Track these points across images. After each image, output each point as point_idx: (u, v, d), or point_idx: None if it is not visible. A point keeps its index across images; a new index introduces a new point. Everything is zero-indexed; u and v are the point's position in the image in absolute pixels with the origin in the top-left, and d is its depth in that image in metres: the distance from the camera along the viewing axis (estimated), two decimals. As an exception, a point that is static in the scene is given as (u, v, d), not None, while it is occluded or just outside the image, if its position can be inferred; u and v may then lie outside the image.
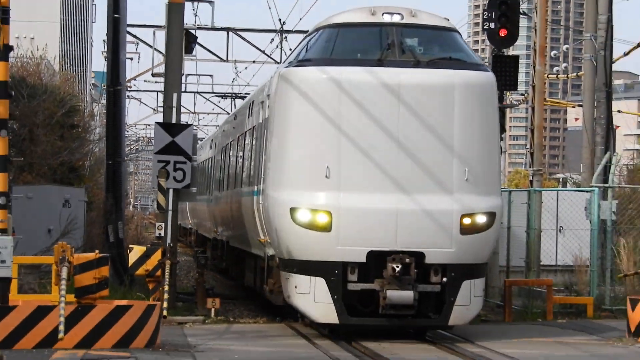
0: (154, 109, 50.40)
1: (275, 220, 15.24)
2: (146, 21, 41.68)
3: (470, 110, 13.36)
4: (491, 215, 13.43)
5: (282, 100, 15.13)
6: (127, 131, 42.65)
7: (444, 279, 13.01)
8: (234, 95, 49.72)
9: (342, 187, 13.11)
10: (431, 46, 14.54)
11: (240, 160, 24.26)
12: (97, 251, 17.32)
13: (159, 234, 21.27)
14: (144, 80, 47.46)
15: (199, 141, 37.66)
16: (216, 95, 53.55)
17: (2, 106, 14.87)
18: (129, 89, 40.79)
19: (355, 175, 13.18)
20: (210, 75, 52.72)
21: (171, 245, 20.91)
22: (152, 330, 15.39)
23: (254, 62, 41.55)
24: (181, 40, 21.86)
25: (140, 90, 53.56)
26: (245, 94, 42.62)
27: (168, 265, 18.50)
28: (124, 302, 16.70)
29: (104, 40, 33.12)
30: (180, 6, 22.35)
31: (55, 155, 29.47)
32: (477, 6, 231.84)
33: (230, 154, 27.81)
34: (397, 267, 12.36)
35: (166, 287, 17.86)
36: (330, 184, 13.14)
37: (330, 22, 15.16)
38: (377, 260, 12.99)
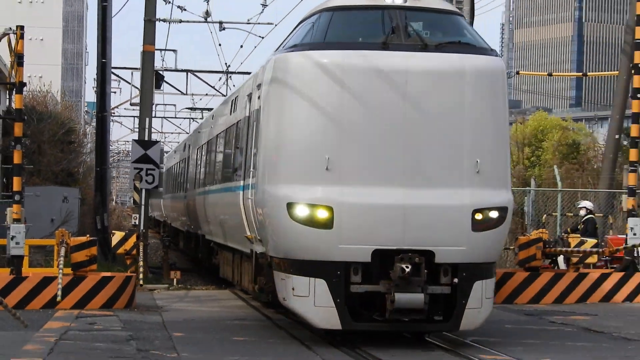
0: (131, 129, 61.82)
1: (270, 216, 13.63)
2: (127, 64, 50.47)
3: (481, 98, 12.18)
4: (503, 210, 12.13)
5: (277, 88, 13.49)
6: (111, 146, 49.96)
7: (455, 280, 11.67)
8: (191, 118, 58.05)
9: (344, 180, 11.70)
10: (437, 30, 13.21)
11: (221, 157, 22.86)
12: (87, 235, 21.01)
13: (134, 222, 25.45)
14: (124, 108, 58.14)
15: (165, 153, 43.01)
16: (180, 118, 62.98)
17: (18, 127, 19.00)
18: (112, 114, 47.47)
19: (359, 167, 11.72)
20: (174, 105, 62.78)
21: (143, 231, 24.64)
22: (129, 295, 18.55)
23: (206, 94, 49.50)
24: (152, 79, 26.59)
25: (122, 116, 65.49)
26: (202, 115, 49.49)
27: (141, 246, 21.46)
28: (108, 274, 19.75)
29: (94, 78, 39.51)
30: (151, 54, 28.23)
31: (57, 164, 37.75)
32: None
33: (208, 152, 26.65)
34: (407, 267, 11.01)
35: (140, 263, 21.00)
36: (331, 177, 11.70)
37: (328, 5, 13.49)
38: (382, 259, 11.62)
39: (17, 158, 18.49)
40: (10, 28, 19.40)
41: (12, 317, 12.32)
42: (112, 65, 31.98)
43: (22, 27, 18.86)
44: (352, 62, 11.79)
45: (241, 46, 40.77)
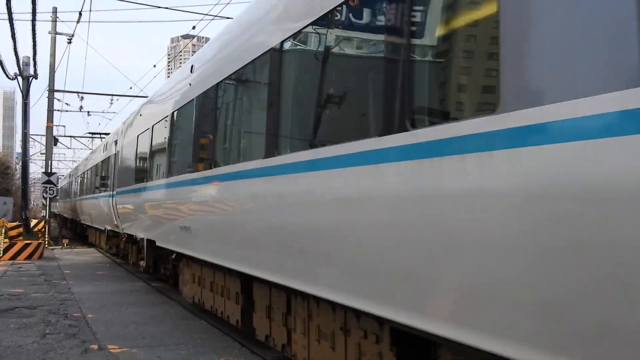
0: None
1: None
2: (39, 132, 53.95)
3: None
4: None
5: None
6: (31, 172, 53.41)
7: None
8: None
9: None
10: None
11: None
12: (17, 222, 28.79)
13: (43, 214, 32.42)
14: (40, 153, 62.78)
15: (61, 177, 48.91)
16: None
17: None
18: (31, 158, 49.21)
19: None
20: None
21: (47, 218, 32.18)
22: (40, 252, 24.90)
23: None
24: (52, 141, 33.46)
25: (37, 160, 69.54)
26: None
27: (46, 226, 29.48)
28: (28, 242, 25.44)
29: (20, 141, 40.57)
30: (51, 128, 34.16)
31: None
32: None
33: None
34: None
35: (46, 235, 28.73)
36: None
37: None
38: None
39: None
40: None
41: None
42: (31, 133, 36.54)
43: None
44: None
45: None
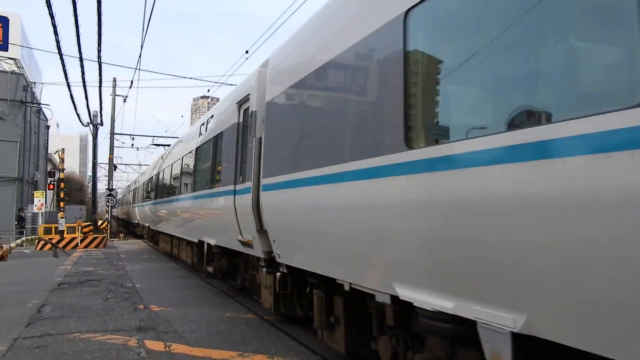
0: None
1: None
2: (104, 161, 50.49)
3: None
4: None
5: None
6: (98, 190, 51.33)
7: None
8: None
9: None
10: None
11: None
12: (88, 222, 27.45)
13: (107, 217, 32.22)
14: (104, 175, 57.51)
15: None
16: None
17: (61, 186, 25.59)
18: (98, 180, 43.15)
19: None
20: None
21: (109, 220, 31.44)
22: (104, 243, 24.39)
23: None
24: (112, 169, 32.71)
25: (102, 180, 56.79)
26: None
27: (109, 225, 29.96)
28: (96, 236, 24.76)
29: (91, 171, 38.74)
30: (111, 159, 32.59)
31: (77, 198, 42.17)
32: None
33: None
34: None
35: (108, 231, 28.55)
36: None
37: None
38: None
39: (61, 195, 24.77)
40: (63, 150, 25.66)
41: (61, 250, 14.93)
42: (98, 162, 35.71)
43: (63, 150, 25.65)
44: None
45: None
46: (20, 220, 26.75)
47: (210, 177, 9.65)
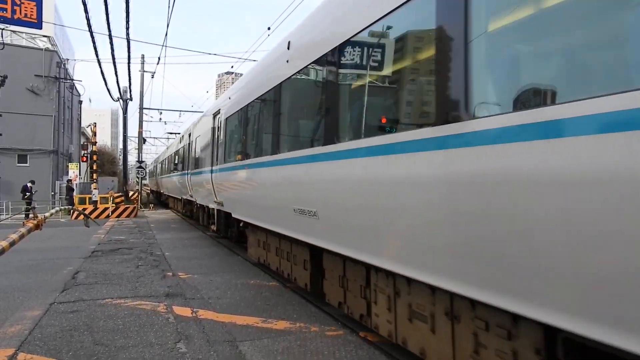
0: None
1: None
2: (133, 134, 49.38)
3: None
4: None
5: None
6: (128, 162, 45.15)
7: None
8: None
9: None
10: None
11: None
12: (120, 193, 26.94)
13: (137, 188, 31.98)
14: (134, 148, 54.27)
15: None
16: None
17: (94, 158, 26.63)
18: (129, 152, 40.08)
19: None
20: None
21: (139, 190, 30.90)
22: (135, 213, 24.67)
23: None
24: (142, 142, 32.30)
25: (132, 152, 55.43)
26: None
27: (139, 196, 29.61)
28: (127, 206, 24.62)
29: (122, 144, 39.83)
30: (141, 132, 32.17)
31: (110, 170, 42.87)
32: None
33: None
34: None
35: (139, 202, 28.67)
36: None
37: None
38: None
39: (94, 167, 25.32)
40: (95, 123, 25.58)
41: (92, 221, 14.08)
42: (128, 135, 33.85)
43: (95, 124, 25.65)
44: None
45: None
46: (69, 190, 27.17)
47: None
